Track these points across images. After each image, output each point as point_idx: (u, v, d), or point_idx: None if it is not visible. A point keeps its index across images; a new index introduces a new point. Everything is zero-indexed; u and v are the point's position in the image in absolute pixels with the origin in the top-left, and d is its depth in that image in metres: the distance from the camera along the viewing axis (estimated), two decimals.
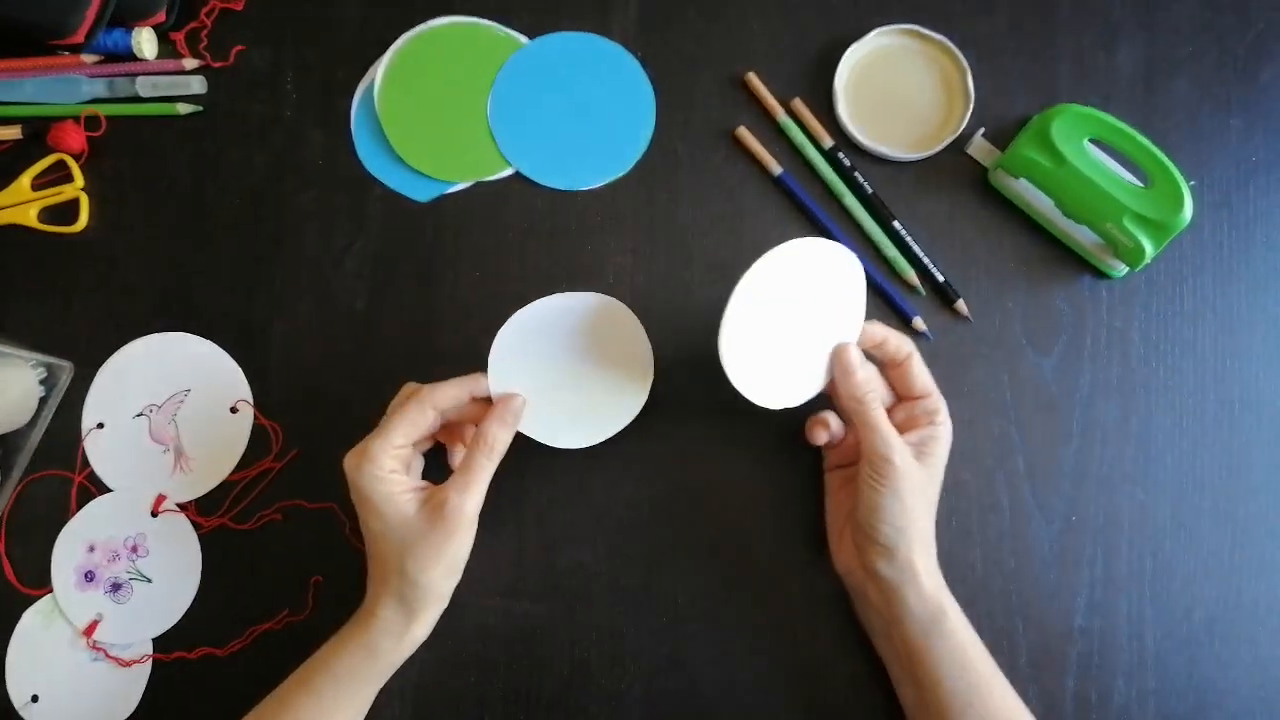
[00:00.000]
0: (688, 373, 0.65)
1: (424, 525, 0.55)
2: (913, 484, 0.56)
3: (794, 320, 0.56)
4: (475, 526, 0.56)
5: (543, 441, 0.59)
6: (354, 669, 0.57)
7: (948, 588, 0.58)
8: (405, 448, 0.56)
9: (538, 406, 0.58)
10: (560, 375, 0.59)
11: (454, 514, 0.55)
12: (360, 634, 0.57)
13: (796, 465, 0.65)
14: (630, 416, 0.60)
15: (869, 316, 0.66)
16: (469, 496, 0.55)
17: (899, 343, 0.58)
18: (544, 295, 0.66)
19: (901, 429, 0.58)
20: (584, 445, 0.60)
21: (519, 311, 0.58)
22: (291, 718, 0.56)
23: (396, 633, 0.56)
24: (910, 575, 0.56)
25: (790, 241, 0.54)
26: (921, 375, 0.58)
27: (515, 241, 0.68)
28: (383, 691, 0.59)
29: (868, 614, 0.61)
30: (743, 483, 0.65)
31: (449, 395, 0.57)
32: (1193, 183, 0.63)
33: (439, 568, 0.55)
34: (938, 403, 0.58)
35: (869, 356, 0.59)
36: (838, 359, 0.57)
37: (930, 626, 0.57)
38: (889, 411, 0.59)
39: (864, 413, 0.56)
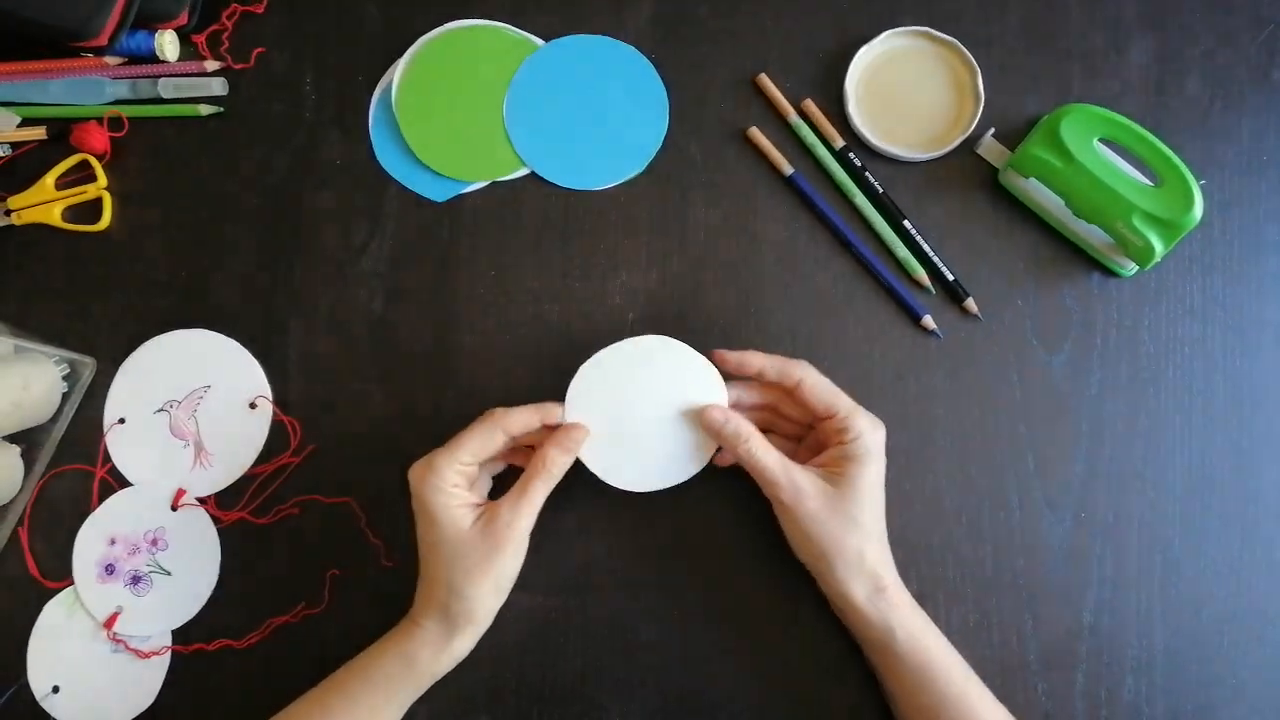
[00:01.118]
0: None
1: (475, 539, 0.56)
2: (813, 512, 0.56)
3: (644, 412, 0.59)
4: (525, 546, 0.57)
5: (597, 475, 0.59)
6: (391, 677, 0.57)
7: (904, 604, 0.58)
8: (471, 465, 0.57)
9: (601, 441, 0.59)
10: (630, 417, 0.59)
11: (504, 529, 0.56)
12: (402, 643, 0.57)
13: None
14: (685, 476, 0.60)
15: (873, 316, 0.67)
16: (520, 514, 0.56)
17: (781, 369, 0.58)
18: (555, 294, 0.67)
19: (813, 451, 0.59)
20: (637, 490, 0.59)
21: (606, 349, 0.59)
22: None
23: (436, 645, 0.57)
24: (847, 601, 0.57)
25: (599, 354, 0.58)
26: (821, 397, 0.58)
27: (530, 241, 0.68)
28: None
29: None
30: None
31: (521, 421, 0.57)
32: (1203, 182, 0.63)
33: (486, 582, 0.56)
34: (847, 420, 0.57)
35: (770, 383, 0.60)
36: (702, 423, 0.58)
37: (880, 649, 0.58)
38: (806, 435, 0.61)
39: (743, 460, 0.58)
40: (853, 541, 0.57)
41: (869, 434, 0.57)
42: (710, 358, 0.59)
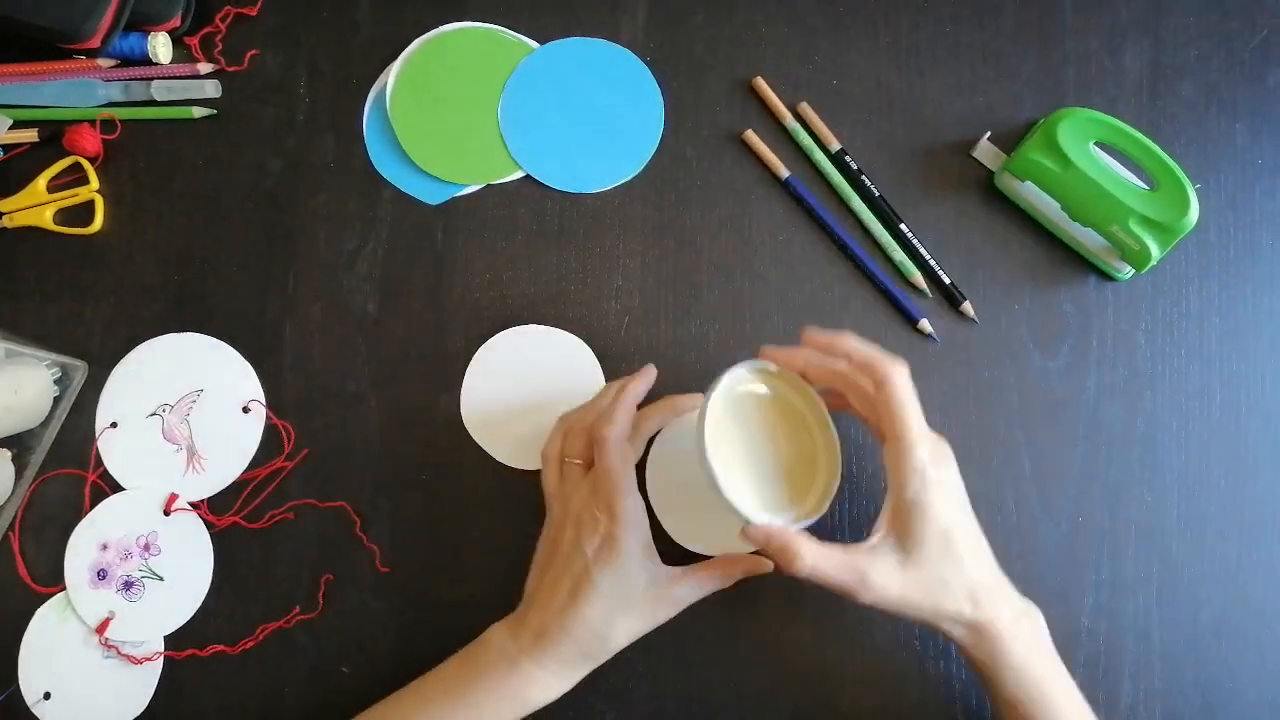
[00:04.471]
0: (696, 370, 0.66)
1: (647, 603, 0.56)
2: (899, 598, 0.52)
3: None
4: None
5: (493, 456, 0.64)
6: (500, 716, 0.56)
7: (1014, 638, 0.54)
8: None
9: (502, 427, 0.65)
10: (521, 401, 0.64)
11: (675, 604, 0.57)
12: (522, 689, 0.55)
13: None
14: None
15: (869, 320, 0.66)
16: (694, 596, 0.57)
17: (868, 362, 0.54)
18: (551, 297, 0.67)
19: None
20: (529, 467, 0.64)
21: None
22: None
23: (554, 687, 0.56)
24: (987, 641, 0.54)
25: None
26: (894, 413, 0.52)
27: (525, 244, 0.68)
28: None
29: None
30: None
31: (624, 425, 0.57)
32: (1198, 185, 0.63)
33: (635, 636, 0.57)
34: (907, 453, 0.51)
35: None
36: (745, 538, 0.52)
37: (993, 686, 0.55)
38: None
39: (800, 576, 0.51)
40: (950, 605, 0.52)
41: (930, 469, 0.51)
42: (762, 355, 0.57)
